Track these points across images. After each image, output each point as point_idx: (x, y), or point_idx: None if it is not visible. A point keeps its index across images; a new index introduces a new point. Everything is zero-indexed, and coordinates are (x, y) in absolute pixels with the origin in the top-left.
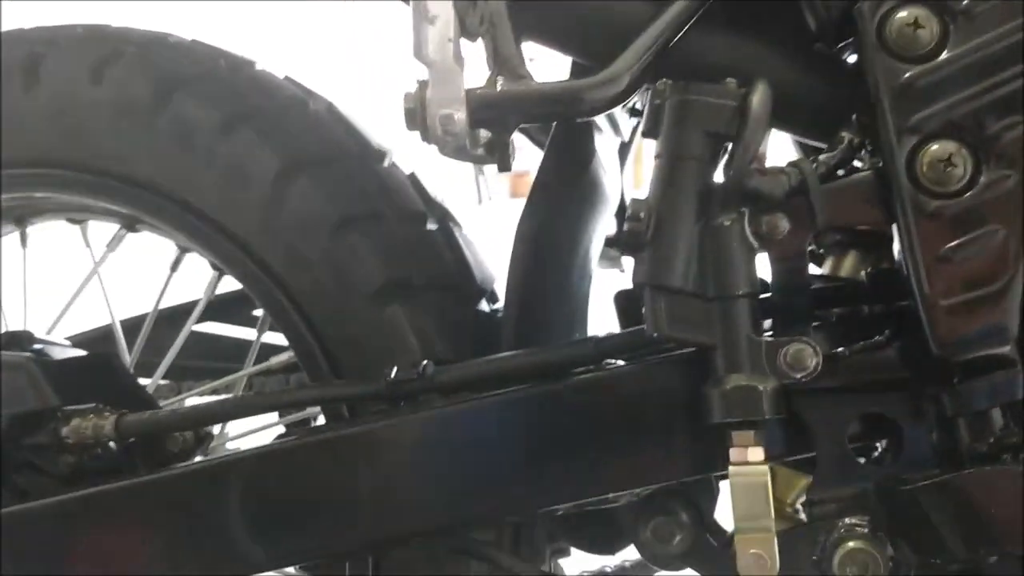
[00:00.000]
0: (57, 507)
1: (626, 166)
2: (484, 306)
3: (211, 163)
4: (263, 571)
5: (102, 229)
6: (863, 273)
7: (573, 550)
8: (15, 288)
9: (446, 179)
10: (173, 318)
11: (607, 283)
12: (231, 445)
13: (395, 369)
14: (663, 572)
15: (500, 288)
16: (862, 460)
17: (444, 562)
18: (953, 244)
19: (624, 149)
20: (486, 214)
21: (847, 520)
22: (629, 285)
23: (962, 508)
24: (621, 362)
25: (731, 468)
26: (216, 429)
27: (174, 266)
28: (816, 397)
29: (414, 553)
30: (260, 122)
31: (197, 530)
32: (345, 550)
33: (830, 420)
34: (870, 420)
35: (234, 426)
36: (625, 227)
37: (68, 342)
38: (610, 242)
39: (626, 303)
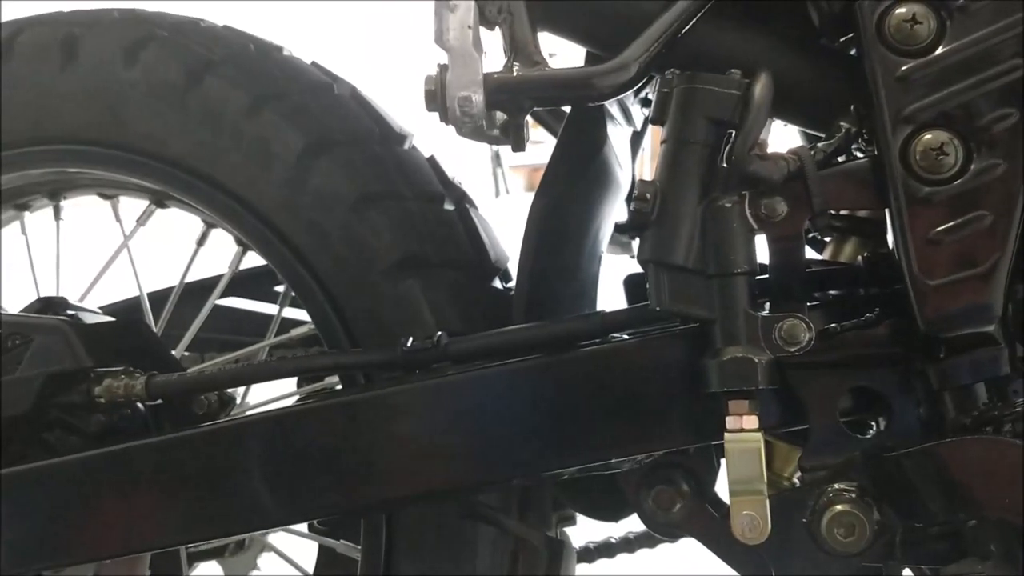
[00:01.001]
0: (87, 462)
1: (639, 157)
2: (497, 284)
3: (238, 142)
4: (280, 525)
5: (133, 205)
6: (860, 258)
7: (580, 519)
8: (49, 259)
9: (464, 173)
10: (198, 292)
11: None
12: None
13: (410, 339)
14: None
15: (513, 269)
16: (852, 432)
17: (453, 526)
18: (942, 228)
19: (636, 138)
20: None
21: (836, 485)
22: (638, 270)
23: (944, 474)
24: (626, 336)
25: (727, 435)
26: (239, 397)
27: (200, 241)
28: (809, 371)
29: (425, 514)
30: (286, 104)
31: (219, 486)
32: (358, 508)
33: (822, 393)
34: (860, 394)
35: (255, 395)
36: (632, 207)
37: (99, 311)
38: (619, 228)
39: (634, 287)
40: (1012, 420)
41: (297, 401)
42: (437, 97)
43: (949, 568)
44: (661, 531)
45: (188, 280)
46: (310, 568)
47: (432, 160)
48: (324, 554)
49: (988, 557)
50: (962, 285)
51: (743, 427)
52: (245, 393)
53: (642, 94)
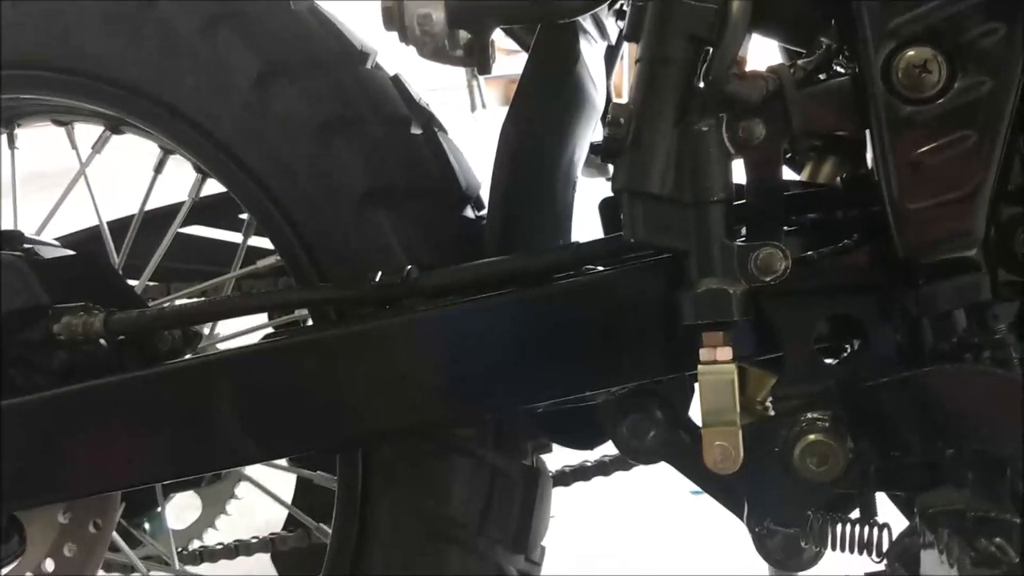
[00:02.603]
0: (49, 401)
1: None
2: (469, 212)
3: (193, 65)
4: (252, 463)
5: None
6: (838, 179)
7: (555, 447)
8: (4, 189)
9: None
10: (160, 221)
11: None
12: (221, 347)
13: (380, 274)
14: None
15: (486, 195)
16: (828, 360)
17: (429, 458)
18: (925, 149)
19: (611, 53)
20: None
21: (809, 415)
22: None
23: (922, 404)
24: (600, 268)
25: (700, 367)
26: (205, 330)
27: (158, 168)
28: (785, 299)
29: (400, 449)
30: (240, 22)
31: (187, 424)
32: (332, 444)
33: (797, 321)
34: (837, 321)
35: (224, 328)
36: (605, 132)
37: (57, 243)
38: (595, 149)
39: (610, 211)
40: (992, 347)
41: (267, 335)
42: (395, 15)
43: (925, 496)
44: (636, 458)
45: (149, 208)
46: (288, 497)
47: (396, 80)
48: (302, 484)
49: (965, 485)
50: (944, 208)
51: (717, 359)
52: (213, 325)
53: (617, 4)
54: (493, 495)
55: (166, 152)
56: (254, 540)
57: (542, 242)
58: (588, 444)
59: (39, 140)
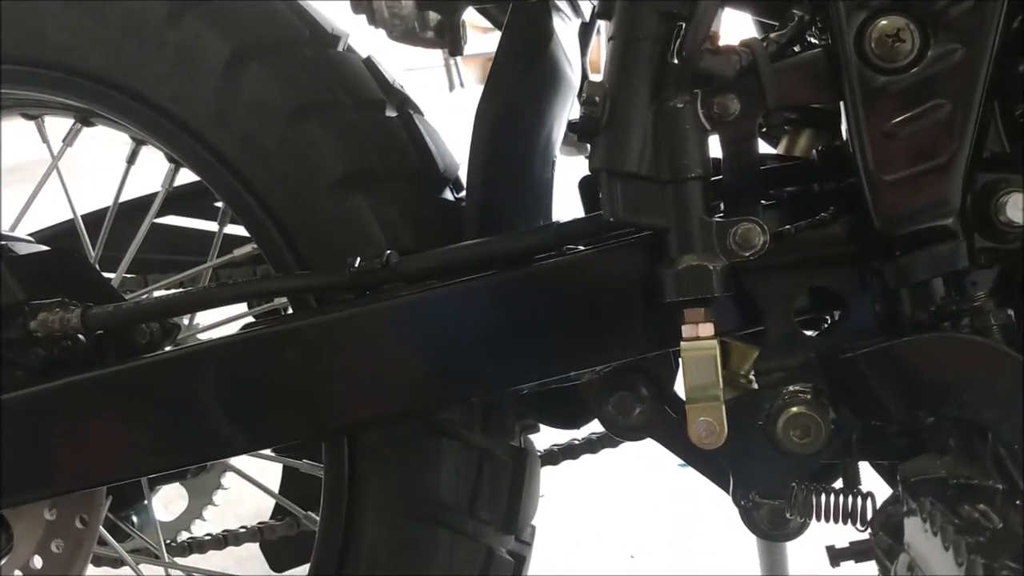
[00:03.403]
0: (29, 398)
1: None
2: (448, 195)
3: (161, 52)
4: (236, 455)
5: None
6: (814, 152)
7: (542, 427)
8: None
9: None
10: (135, 212)
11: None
12: (202, 337)
13: (359, 259)
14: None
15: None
16: (809, 332)
17: (417, 443)
18: (899, 119)
19: (585, 31)
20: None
21: (791, 387)
22: None
23: (901, 374)
24: (581, 247)
25: (683, 343)
26: (185, 321)
27: (131, 159)
28: (764, 274)
29: (387, 434)
30: (208, 7)
31: (169, 418)
32: (317, 434)
33: (777, 295)
34: (817, 293)
35: (204, 318)
36: (581, 112)
37: (31, 238)
38: (572, 128)
39: (590, 190)
40: (970, 314)
41: (247, 325)
42: None
43: (907, 464)
44: (622, 435)
45: (124, 200)
46: (275, 486)
47: (369, 62)
48: (288, 472)
49: (947, 453)
50: (919, 179)
51: (699, 335)
52: (192, 316)
53: None
54: (482, 477)
55: (138, 143)
56: (242, 530)
57: (522, 223)
58: (575, 424)
59: (10, 134)
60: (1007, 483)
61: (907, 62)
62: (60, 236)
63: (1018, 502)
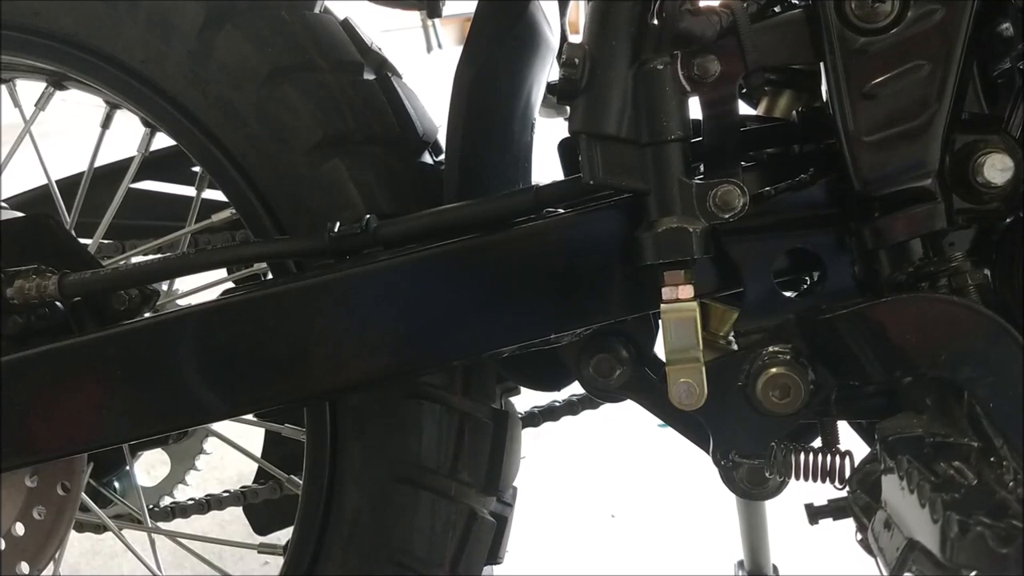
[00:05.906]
0: (7, 367)
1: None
2: (427, 158)
3: (133, 13)
4: (218, 420)
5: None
6: (794, 113)
7: (523, 389)
8: None
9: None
10: (111, 177)
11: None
12: (181, 303)
13: (338, 224)
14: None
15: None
16: (788, 293)
17: (398, 406)
18: (879, 80)
19: None
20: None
21: (770, 348)
22: None
23: (879, 334)
24: (561, 210)
25: (663, 306)
26: (163, 287)
27: (105, 123)
28: (744, 235)
29: (368, 398)
30: None
31: (149, 384)
32: (299, 399)
33: (756, 257)
34: (796, 255)
35: (183, 284)
36: (560, 74)
37: (5, 205)
38: (551, 90)
39: (570, 152)
40: (948, 275)
41: (226, 291)
42: None
43: (884, 423)
44: (602, 397)
45: (99, 165)
46: (257, 450)
47: (347, 24)
48: (271, 436)
49: (923, 411)
50: (898, 140)
51: (679, 297)
52: (171, 282)
53: None
54: (463, 439)
55: (112, 106)
56: (225, 494)
57: (502, 186)
58: (555, 386)
59: None
60: (982, 441)
61: (887, 23)
62: (35, 202)
63: (992, 459)
